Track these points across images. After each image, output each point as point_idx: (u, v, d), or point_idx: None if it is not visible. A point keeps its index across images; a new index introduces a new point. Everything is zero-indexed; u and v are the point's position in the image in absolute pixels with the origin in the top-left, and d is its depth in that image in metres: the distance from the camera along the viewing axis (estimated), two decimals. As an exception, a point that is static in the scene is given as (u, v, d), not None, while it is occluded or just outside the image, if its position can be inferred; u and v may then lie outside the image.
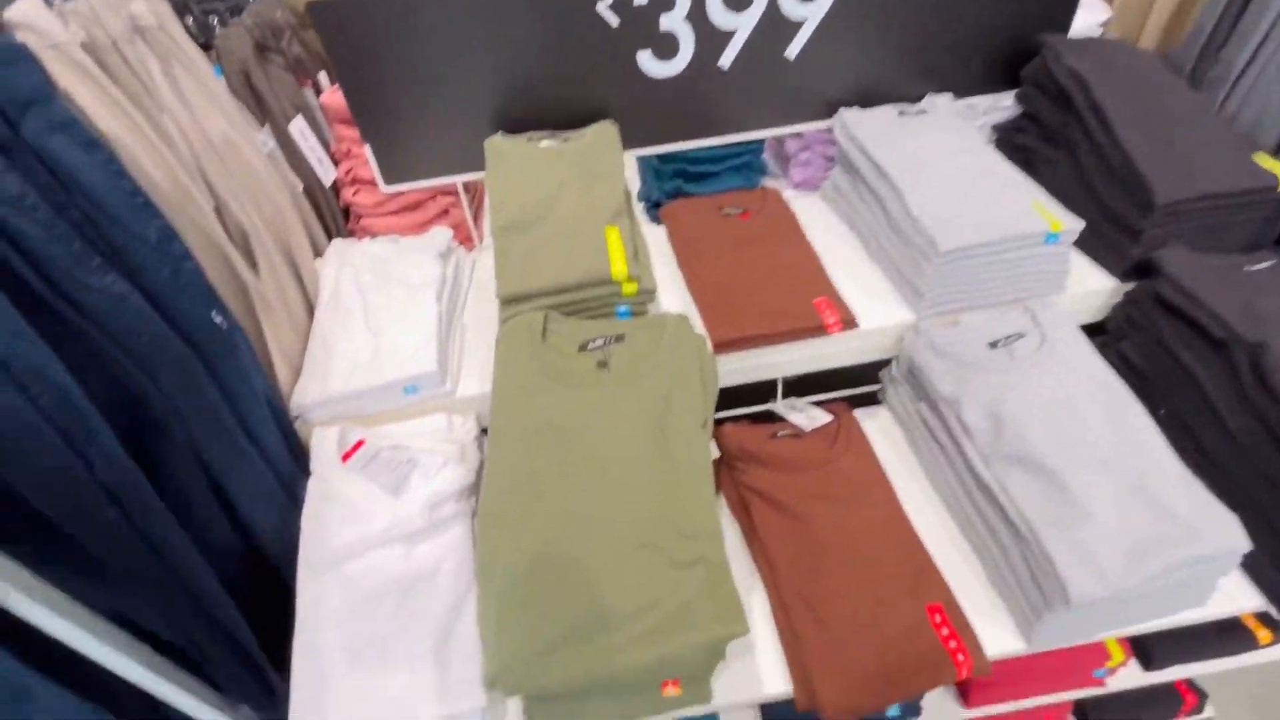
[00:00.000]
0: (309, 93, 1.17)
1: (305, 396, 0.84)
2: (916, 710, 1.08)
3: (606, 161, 0.92)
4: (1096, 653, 1.05)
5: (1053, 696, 1.07)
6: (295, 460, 0.83)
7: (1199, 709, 1.20)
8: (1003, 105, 1.09)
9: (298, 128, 1.08)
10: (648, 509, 0.64)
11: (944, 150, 0.94)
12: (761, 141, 1.15)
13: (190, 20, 1.32)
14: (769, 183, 1.18)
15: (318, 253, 1.04)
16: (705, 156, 1.11)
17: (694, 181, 1.12)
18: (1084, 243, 0.87)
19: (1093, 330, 0.86)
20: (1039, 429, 0.73)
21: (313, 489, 0.78)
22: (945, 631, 0.72)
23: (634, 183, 1.18)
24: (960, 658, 0.70)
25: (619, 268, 0.78)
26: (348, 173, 1.13)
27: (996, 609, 0.76)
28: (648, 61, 0.99)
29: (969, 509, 0.79)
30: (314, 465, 0.80)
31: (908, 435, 0.92)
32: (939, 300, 0.87)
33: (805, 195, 1.18)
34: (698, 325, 0.92)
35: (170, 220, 0.66)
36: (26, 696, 0.48)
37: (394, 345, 0.88)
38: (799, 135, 1.14)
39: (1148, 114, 0.88)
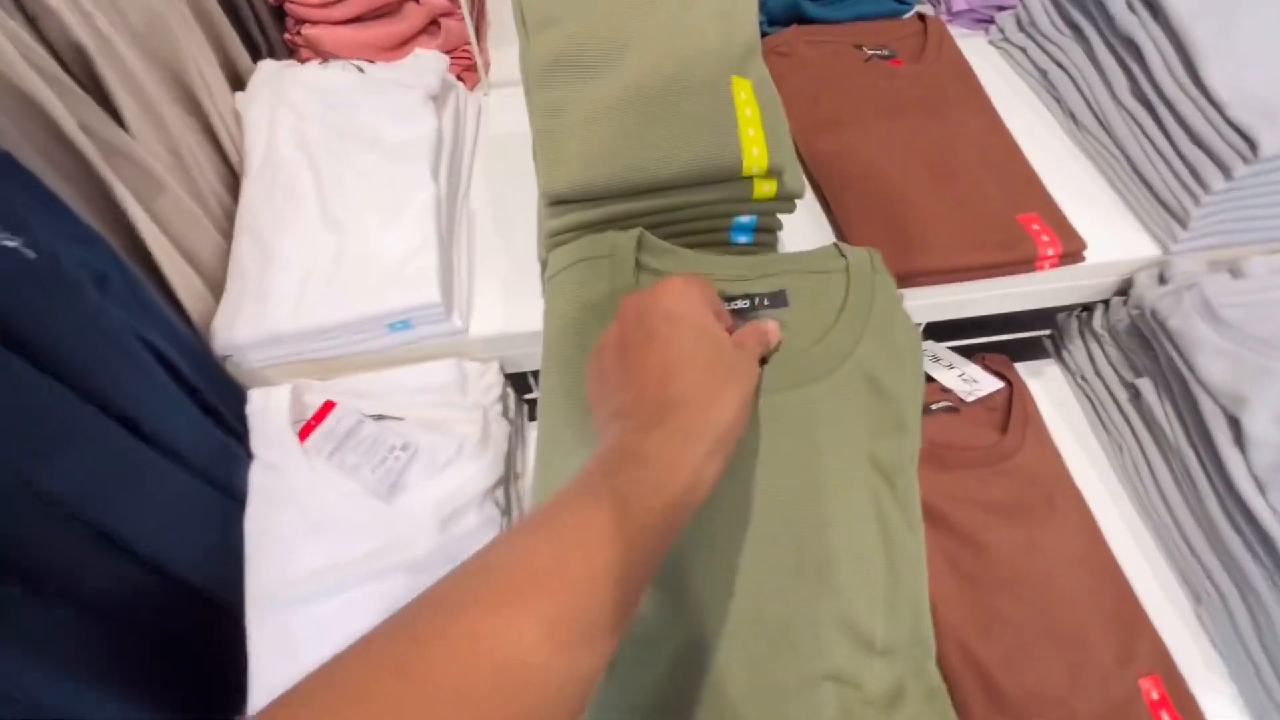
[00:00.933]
0: None
1: (232, 329, 0.53)
2: None
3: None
4: None
5: None
6: (230, 431, 0.54)
7: None
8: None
9: None
10: (821, 608, 0.38)
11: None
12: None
13: None
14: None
15: (237, 84, 0.66)
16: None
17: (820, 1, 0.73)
18: None
19: None
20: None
21: (256, 483, 0.51)
22: (1166, 717, 0.52)
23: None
24: (1189, 758, 0.51)
25: (756, 151, 0.46)
26: (277, -57, 0.71)
27: (1214, 673, 0.56)
28: None
29: (1200, 544, 0.57)
30: (255, 444, 0.52)
31: (1098, 416, 0.67)
32: (1210, 230, 0.58)
33: (967, 33, 0.80)
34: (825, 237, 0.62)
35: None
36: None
37: (370, 249, 0.56)
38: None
39: None
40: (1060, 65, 0.69)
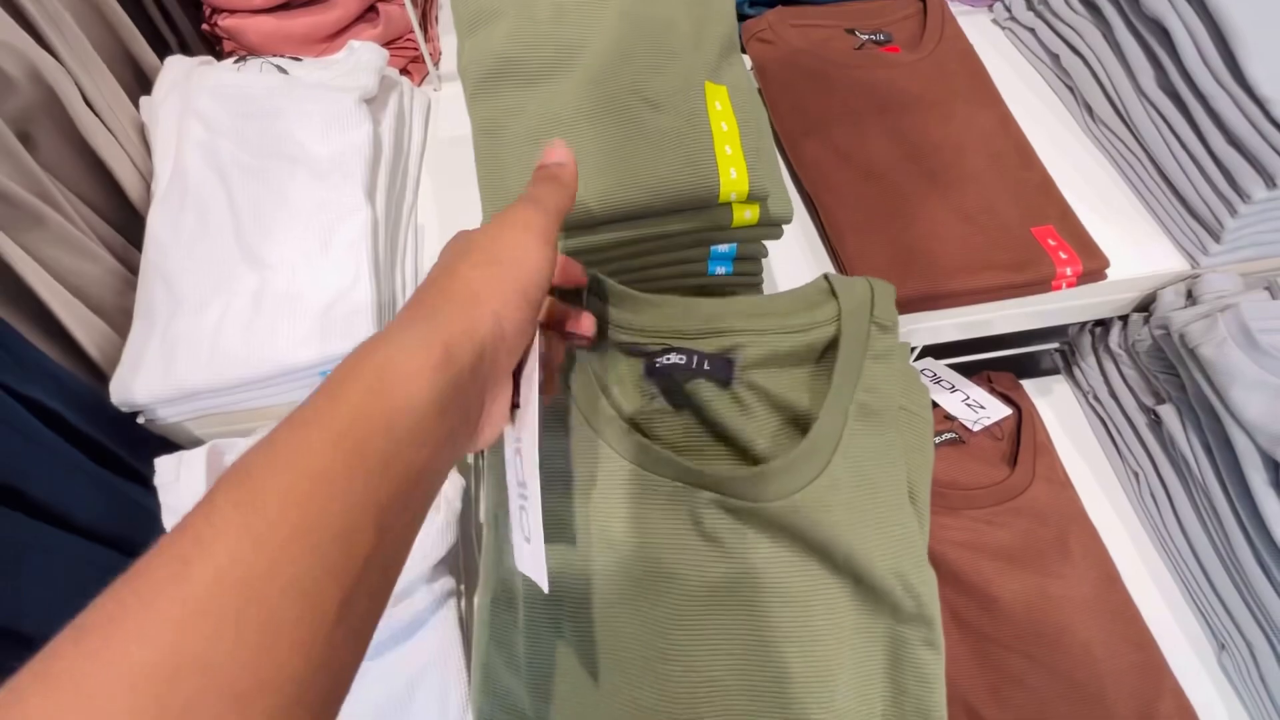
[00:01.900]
0: None
1: (133, 385, 0.46)
2: None
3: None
4: None
5: None
6: (145, 484, 0.48)
7: None
8: None
9: None
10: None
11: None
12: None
13: None
14: (916, -15, 0.71)
15: (143, 85, 0.58)
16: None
17: (806, -23, 0.65)
18: None
19: None
20: None
21: (170, 564, 0.44)
22: (1191, 786, 0.48)
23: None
24: (1216, 831, 0.47)
25: (735, 173, 0.39)
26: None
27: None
28: None
29: (1225, 587, 0.52)
30: (168, 520, 0.45)
31: (1112, 441, 0.61)
32: (1245, 241, 0.52)
33: (968, 10, 0.73)
34: (821, 265, 0.55)
35: None
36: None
37: (295, 288, 0.49)
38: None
39: None
40: (1075, 50, 0.61)
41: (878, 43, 0.63)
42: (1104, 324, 0.61)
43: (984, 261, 0.50)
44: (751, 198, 0.40)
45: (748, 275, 0.46)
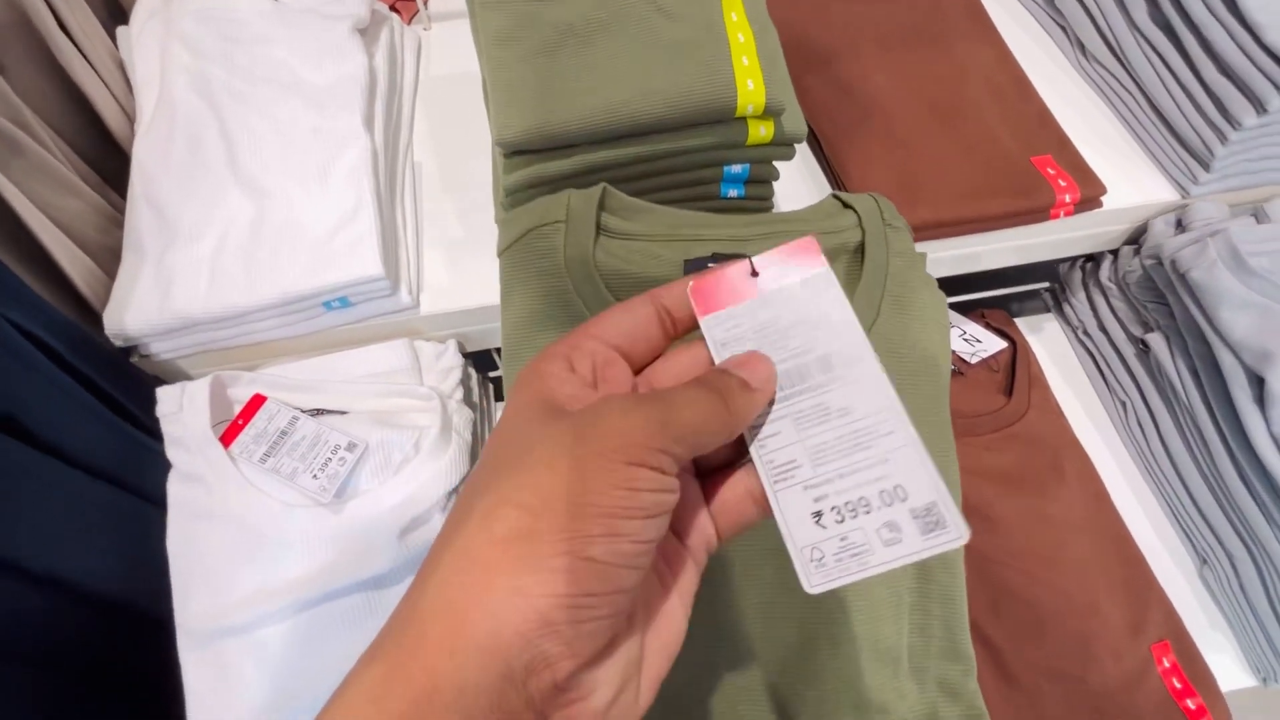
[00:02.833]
0: None
1: (126, 316, 0.45)
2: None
3: None
4: None
5: None
6: (144, 427, 0.46)
7: None
8: None
9: None
10: (841, 626, 0.33)
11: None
12: None
13: None
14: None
15: (116, 18, 0.55)
16: None
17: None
18: None
19: None
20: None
21: (175, 496, 0.43)
22: (1177, 684, 0.50)
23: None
24: (1202, 725, 0.49)
25: (753, 84, 0.38)
26: None
27: (1218, 632, 0.55)
28: None
29: (1209, 505, 0.54)
30: (170, 451, 0.44)
31: (1100, 373, 0.63)
32: (1233, 170, 0.53)
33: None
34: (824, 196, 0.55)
35: None
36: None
37: (294, 216, 0.47)
38: None
39: None
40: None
41: (876, -20, 0.62)
42: (1094, 260, 0.63)
43: (988, 189, 0.50)
44: (768, 111, 0.39)
45: (759, 200, 0.46)
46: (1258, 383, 0.49)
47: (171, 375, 0.50)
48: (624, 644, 0.18)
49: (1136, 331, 0.59)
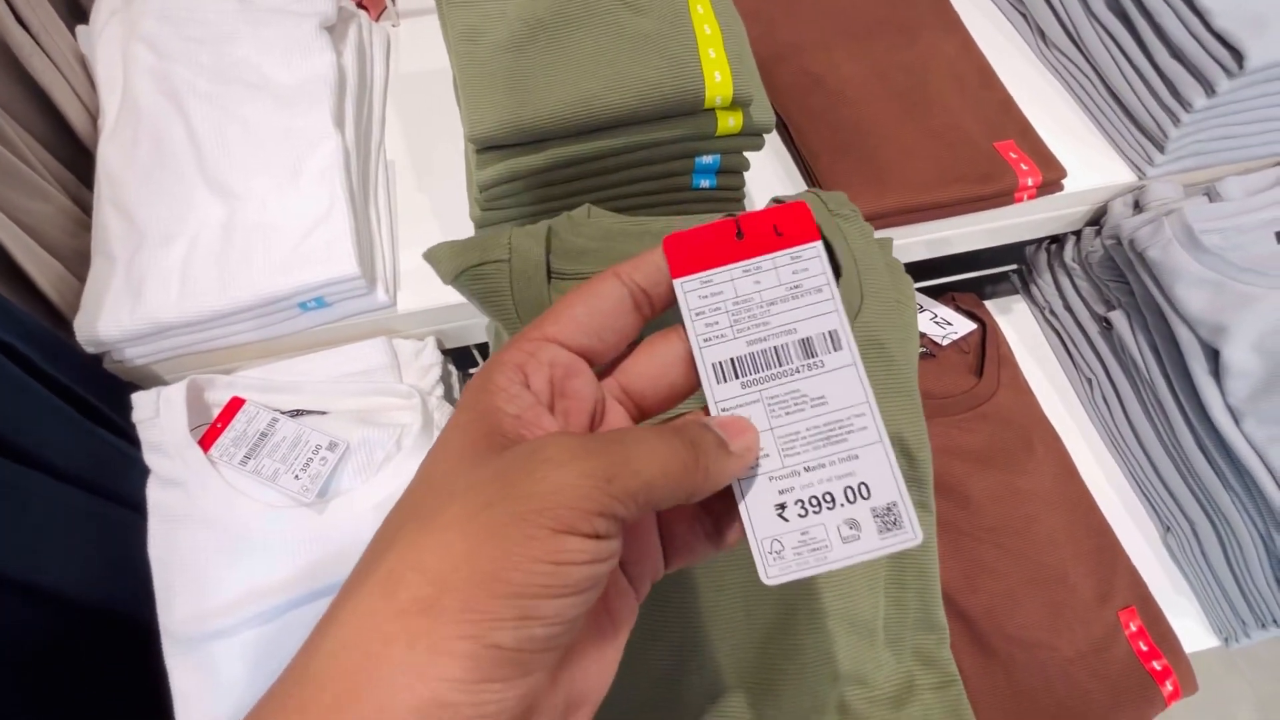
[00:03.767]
0: None
1: (97, 322, 0.44)
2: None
3: None
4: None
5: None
6: (120, 432, 0.46)
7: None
8: None
9: None
10: (819, 600, 0.34)
11: None
12: None
13: None
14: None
15: (77, 15, 0.54)
16: None
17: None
18: None
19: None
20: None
21: (155, 501, 0.43)
22: (1144, 646, 0.53)
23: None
24: (1168, 685, 0.51)
25: (720, 76, 0.39)
26: None
27: (1181, 596, 0.57)
28: None
29: (1170, 475, 0.57)
30: (148, 457, 0.44)
31: (1067, 351, 0.65)
32: (1186, 151, 0.55)
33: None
34: (796, 186, 0.56)
35: None
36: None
37: (267, 218, 0.47)
38: None
39: None
40: (1028, -25, 0.63)
41: (841, -30, 0.63)
42: (1058, 241, 0.65)
43: (953, 175, 0.52)
44: (736, 102, 0.40)
45: (731, 190, 0.47)
46: (1214, 356, 0.51)
47: (147, 381, 0.49)
48: (543, 705, 0.16)
49: (1100, 310, 0.61)
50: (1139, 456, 0.59)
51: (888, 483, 0.19)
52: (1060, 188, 0.54)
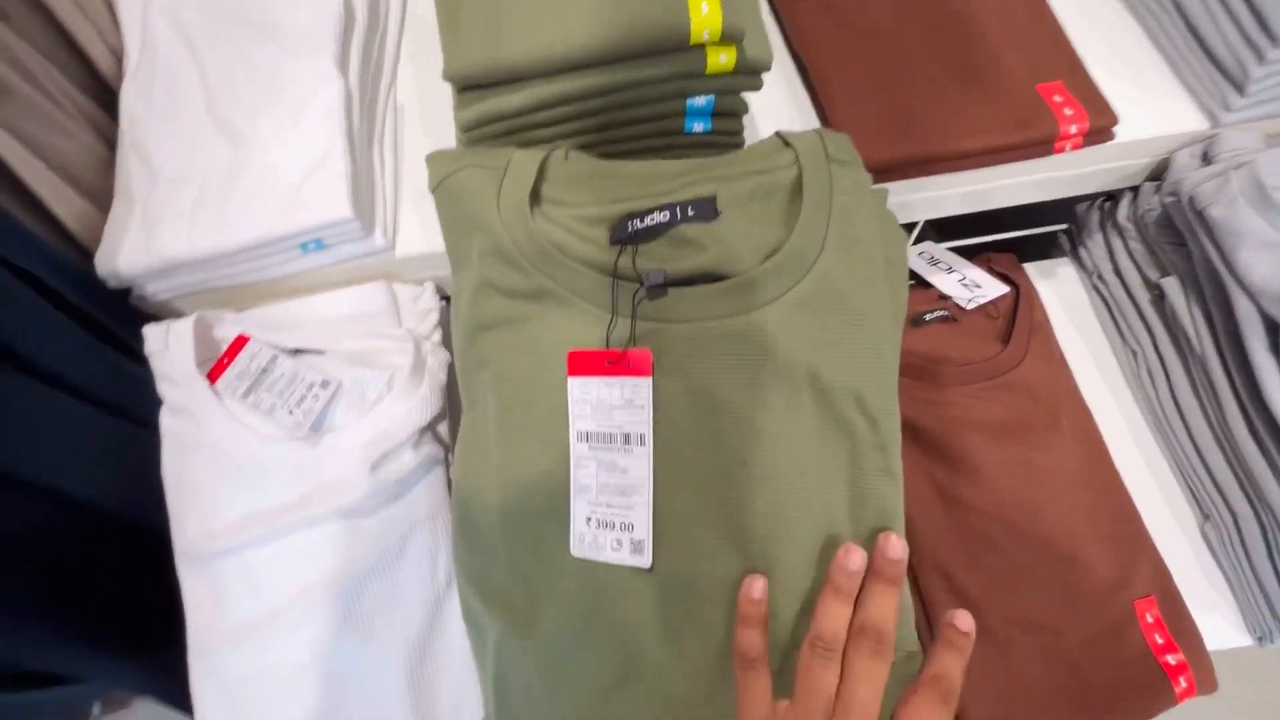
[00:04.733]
0: None
1: (116, 258, 0.47)
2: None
3: None
4: None
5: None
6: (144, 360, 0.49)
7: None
8: None
9: None
10: (771, 576, 0.33)
11: None
12: None
13: None
14: None
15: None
16: None
17: None
18: None
19: None
20: None
21: (167, 428, 0.46)
22: (1160, 639, 0.49)
23: None
24: (1181, 681, 0.48)
25: (707, 9, 0.36)
26: None
27: (1215, 590, 0.53)
28: None
29: (1215, 459, 0.51)
30: (160, 386, 0.47)
31: (1113, 321, 0.59)
32: (1269, 95, 0.48)
33: None
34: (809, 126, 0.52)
35: None
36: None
37: (270, 160, 0.48)
38: None
39: None
40: (1104, -111, 0.55)
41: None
42: (1114, 199, 0.59)
43: (981, 119, 0.47)
44: (726, 37, 0.37)
45: (728, 134, 0.44)
46: (1275, 330, 0.46)
47: (167, 315, 0.52)
48: None
49: (1153, 275, 0.55)
50: (1182, 437, 0.54)
51: (644, 526, 0.33)
52: (1110, 136, 0.48)
